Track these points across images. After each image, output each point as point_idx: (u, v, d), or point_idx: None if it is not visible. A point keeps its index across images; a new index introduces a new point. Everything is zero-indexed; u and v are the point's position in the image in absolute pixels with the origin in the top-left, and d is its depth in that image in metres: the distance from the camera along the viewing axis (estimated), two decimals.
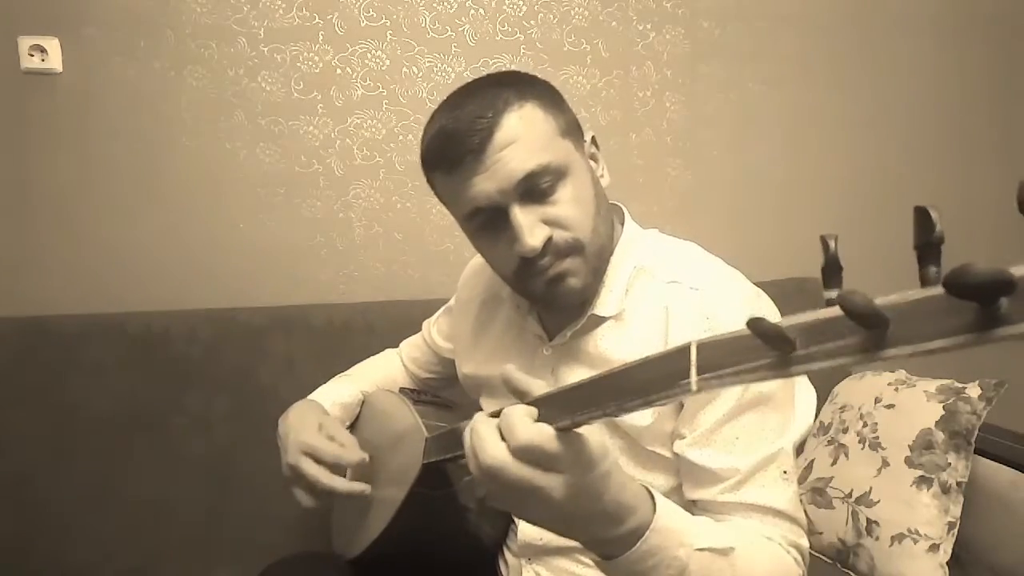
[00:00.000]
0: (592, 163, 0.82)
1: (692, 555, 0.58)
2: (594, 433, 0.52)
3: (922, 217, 0.31)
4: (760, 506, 0.73)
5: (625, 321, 0.81)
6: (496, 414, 0.54)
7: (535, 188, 0.73)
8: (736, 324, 0.74)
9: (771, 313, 0.77)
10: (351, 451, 0.86)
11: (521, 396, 0.55)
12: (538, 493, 0.50)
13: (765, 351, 0.35)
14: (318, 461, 0.86)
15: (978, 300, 0.27)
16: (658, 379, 0.43)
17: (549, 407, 0.52)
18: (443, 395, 1.10)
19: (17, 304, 1.39)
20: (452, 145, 0.73)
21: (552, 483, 0.50)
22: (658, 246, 0.85)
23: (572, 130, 0.79)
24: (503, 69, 1.54)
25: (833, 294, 0.34)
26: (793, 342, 0.34)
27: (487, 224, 0.76)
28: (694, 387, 0.40)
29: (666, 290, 0.79)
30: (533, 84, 0.78)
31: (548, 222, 0.74)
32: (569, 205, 0.75)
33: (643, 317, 0.80)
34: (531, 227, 0.73)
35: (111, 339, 1.31)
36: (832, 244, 0.35)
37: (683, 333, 0.75)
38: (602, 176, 0.83)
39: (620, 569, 0.56)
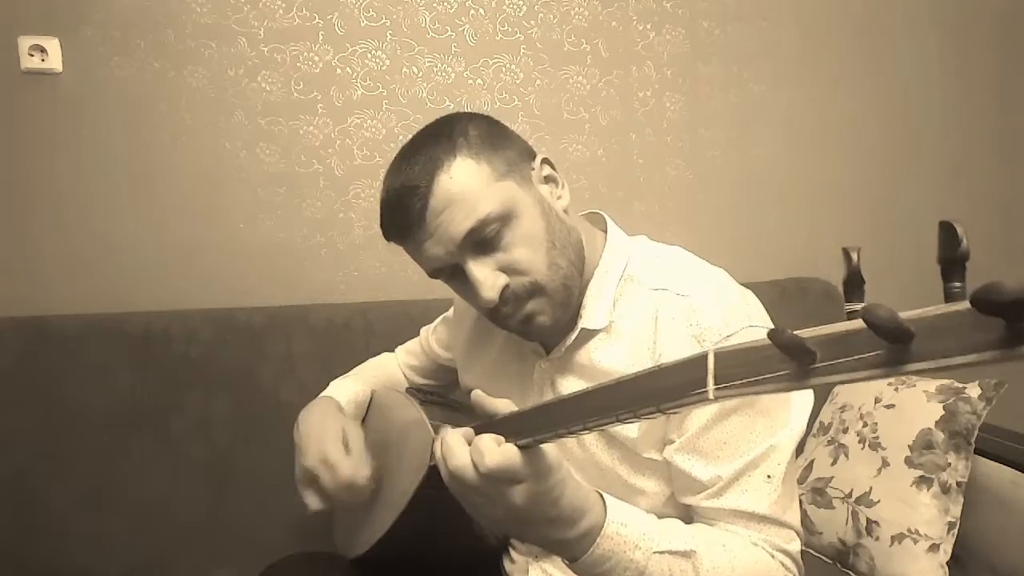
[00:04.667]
0: (546, 187, 0.81)
1: (651, 557, 0.63)
2: (550, 446, 0.57)
3: (947, 232, 0.31)
4: (742, 512, 0.73)
5: (615, 331, 0.81)
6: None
7: (483, 240, 0.74)
8: (722, 328, 0.74)
9: (757, 316, 0.77)
10: (362, 470, 0.86)
11: (489, 417, 0.60)
12: (501, 499, 0.57)
13: (784, 362, 0.35)
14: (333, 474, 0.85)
15: (1005, 317, 0.27)
16: (673, 387, 0.43)
17: (526, 423, 0.56)
18: (450, 397, 1.10)
19: (17, 304, 1.39)
20: (396, 218, 0.77)
21: (513, 491, 0.56)
22: (644, 253, 0.85)
23: (514, 166, 0.78)
24: (502, 71, 1.56)
25: (855, 306, 0.34)
26: (814, 354, 0.34)
27: (452, 277, 0.80)
28: (711, 396, 0.40)
29: (653, 297, 0.79)
30: (465, 131, 0.77)
31: (503, 269, 0.75)
32: (519, 249, 0.75)
33: (632, 326, 0.80)
34: (486, 279, 0.75)
35: (111, 339, 1.31)
36: (855, 257, 0.35)
37: (671, 340, 0.76)
38: (560, 198, 0.82)
39: (584, 570, 0.62)
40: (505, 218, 0.75)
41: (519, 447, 0.55)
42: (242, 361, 1.34)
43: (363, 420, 1.05)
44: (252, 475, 1.31)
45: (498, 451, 0.55)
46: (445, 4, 1.54)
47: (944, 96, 1.80)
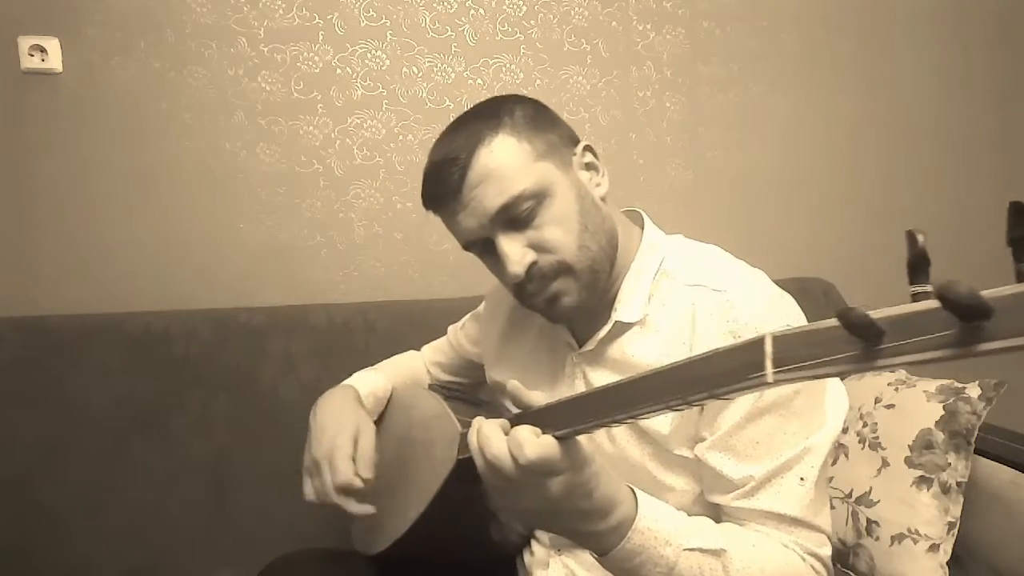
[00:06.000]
0: (586, 173, 0.82)
1: (681, 554, 0.63)
2: (583, 438, 0.58)
3: (1017, 211, 0.30)
4: (774, 513, 0.73)
5: (650, 326, 0.81)
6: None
7: (515, 216, 0.76)
8: (760, 325, 0.73)
9: (795, 314, 0.78)
10: (362, 473, 0.86)
11: (525, 408, 0.60)
12: (537, 490, 0.56)
13: (849, 343, 0.34)
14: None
15: None
16: (728, 371, 0.42)
17: (562, 414, 0.56)
18: (472, 394, 1.09)
19: (17, 304, 1.39)
20: (435, 187, 0.79)
21: (551, 483, 0.56)
22: (680, 250, 0.86)
23: (554, 149, 0.80)
24: (502, 71, 1.56)
25: (920, 288, 0.33)
26: (883, 333, 0.33)
27: (484, 252, 0.81)
28: (770, 379, 0.39)
29: (690, 293, 0.79)
30: (512, 111, 0.79)
31: (533, 246, 0.77)
32: (551, 228, 0.77)
33: (668, 321, 0.80)
34: (514, 255, 0.76)
35: (111, 339, 1.31)
36: (921, 239, 0.34)
37: (707, 335, 0.76)
38: (599, 185, 0.83)
39: (613, 564, 0.62)
40: (539, 197, 0.76)
41: (556, 438, 0.55)
42: (242, 361, 1.34)
43: (382, 415, 1.05)
44: (252, 475, 1.31)
45: (537, 443, 0.55)
46: (445, 4, 1.54)
47: (944, 95, 1.80)
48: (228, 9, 1.45)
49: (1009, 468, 1.17)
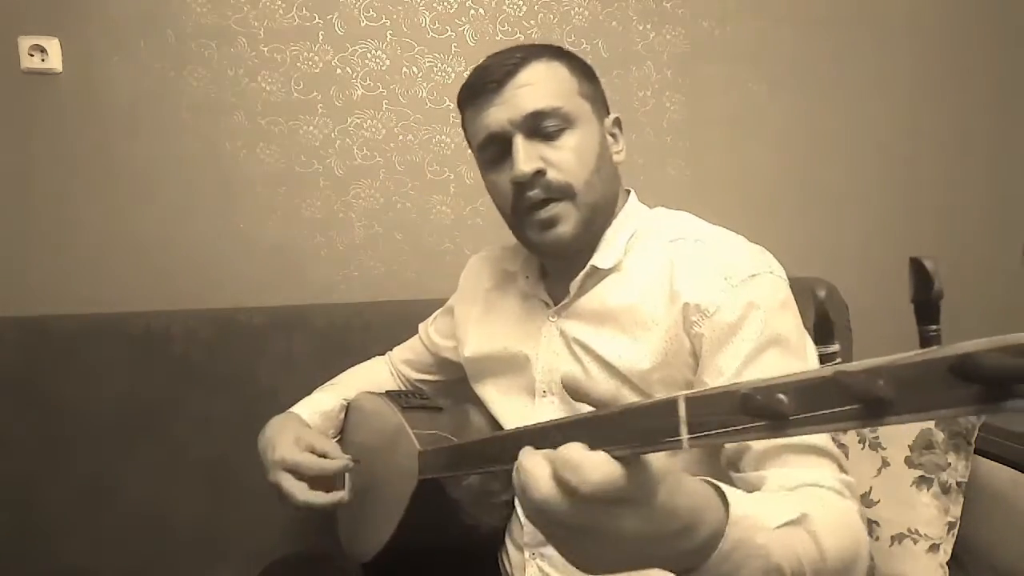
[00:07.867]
0: (609, 137, 0.87)
1: (772, 537, 0.51)
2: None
3: (918, 271, 0.29)
4: (803, 445, 0.70)
5: (626, 272, 0.85)
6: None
7: (541, 127, 0.80)
8: (748, 268, 0.76)
9: (776, 266, 0.81)
10: (332, 459, 0.88)
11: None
12: (606, 533, 0.42)
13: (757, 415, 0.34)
14: (300, 476, 0.87)
15: (984, 384, 0.25)
16: (647, 431, 0.40)
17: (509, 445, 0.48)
18: (431, 398, 1.09)
19: (17, 304, 1.39)
20: (481, 76, 0.83)
21: (620, 520, 0.42)
22: (660, 214, 0.91)
23: (595, 99, 0.86)
24: None
25: (827, 348, 0.33)
26: (787, 415, 0.32)
27: (496, 157, 0.83)
28: (685, 445, 0.38)
29: (669, 247, 0.83)
30: (573, 55, 0.87)
31: (546, 160, 0.80)
32: (569, 152, 0.81)
33: (645, 269, 0.83)
34: (527, 155, 0.79)
35: (111, 339, 1.31)
36: (821, 294, 0.34)
37: (688, 281, 0.78)
38: (617, 153, 0.89)
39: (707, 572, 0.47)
40: (568, 121, 0.81)
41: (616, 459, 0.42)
42: (242, 361, 1.34)
43: (343, 429, 1.05)
44: (252, 475, 1.29)
45: (601, 461, 0.40)
46: (445, 4, 1.54)
47: (944, 95, 1.80)
48: (228, 9, 1.45)
49: (1009, 468, 1.17)
